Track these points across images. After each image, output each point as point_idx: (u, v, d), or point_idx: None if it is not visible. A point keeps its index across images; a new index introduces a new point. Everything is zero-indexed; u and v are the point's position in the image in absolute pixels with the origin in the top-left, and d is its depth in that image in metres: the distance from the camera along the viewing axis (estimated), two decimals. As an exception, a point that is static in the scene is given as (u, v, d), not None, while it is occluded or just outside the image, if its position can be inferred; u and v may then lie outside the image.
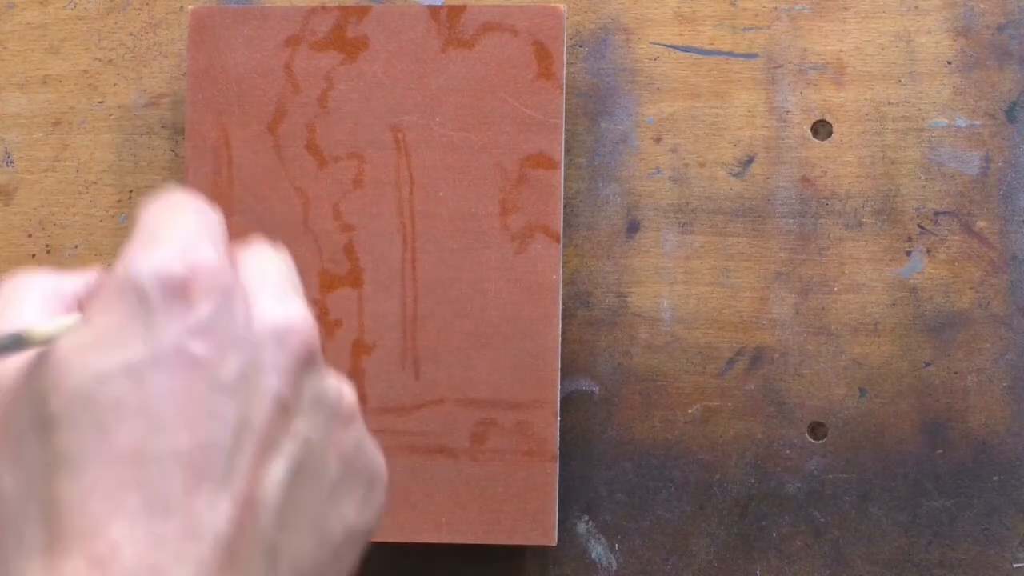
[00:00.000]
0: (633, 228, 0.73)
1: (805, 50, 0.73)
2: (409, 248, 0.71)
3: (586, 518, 0.73)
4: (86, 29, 0.76)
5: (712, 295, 0.73)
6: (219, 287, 0.41)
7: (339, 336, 0.71)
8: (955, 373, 0.72)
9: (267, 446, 0.40)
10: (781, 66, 0.73)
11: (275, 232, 0.71)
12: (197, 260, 0.42)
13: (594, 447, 0.73)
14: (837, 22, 0.73)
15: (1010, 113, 0.72)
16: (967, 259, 0.72)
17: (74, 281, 0.45)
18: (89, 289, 0.45)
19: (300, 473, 0.41)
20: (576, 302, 0.73)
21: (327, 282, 0.71)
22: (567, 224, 0.73)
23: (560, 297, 0.71)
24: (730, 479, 0.72)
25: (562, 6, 0.71)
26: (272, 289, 0.43)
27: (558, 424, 0.70)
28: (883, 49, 0.73)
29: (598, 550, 0.73)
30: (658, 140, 0.74)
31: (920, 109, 0.73)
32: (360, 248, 0.71)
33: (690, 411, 0.73)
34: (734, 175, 0.73)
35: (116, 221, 0.76)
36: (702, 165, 0.73)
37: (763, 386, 0.73)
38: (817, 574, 0.72)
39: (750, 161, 0.73)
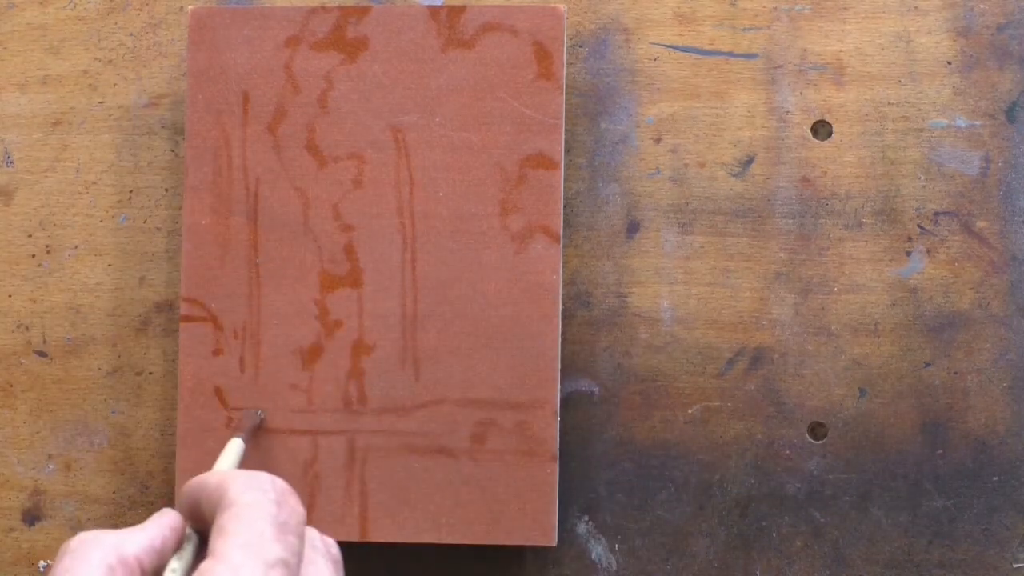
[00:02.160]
0: (633, 228, 0.73)
1: (805, 50, 0.73)
2: (409, 248, 0.71)
3: (586, 518, 0.73)
4: (86, 29, 0.76)
5: (712, 295, 0.73)
6: None
7: (339, 336, 0.71)
8: (955, 373, 0.72)
9: None
10: (781, 66, 0.73)
11: (275, 232, 0.72)
12: None
13: (594, 447, 0.73)
14: (837, 22, 0.73)
15: (1010, 113, 0.72)
16: (967, 259, 0.72)
17: (137, 541, 0.49)
18: (154, 549, 0.49)
19: None
20: (576, 302, 0.73)
21: (327, 282, 0.71)
22: (567, 224, 0.73)
23: (560, 297, 0.71)
24: (730, 479, 0.72)
25: (562, 6, 0.71)
26: None
27: (558, 424, 0.70)
28: (883, 49, 0.73)
29: (598, 550, 0.73)
30: (658, 140, 0.74)
31: (920, 109, 0.73)
32: (360, 248, 0.71)
33: (690, 411, 0.73)
34: (734, 175, 0.73)
35: (116, 221, 0.76)
36: (702, 165, 0.73)
37: (763, 386, 0.73)
38: (817, 574, 0.72)
39: (750, 161, 0.73)
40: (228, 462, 0.62)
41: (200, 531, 0.51)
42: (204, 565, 0.46)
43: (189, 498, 0.51)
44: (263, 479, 0.49)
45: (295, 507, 0.49)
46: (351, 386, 0.71)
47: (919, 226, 0.72)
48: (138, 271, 0.75)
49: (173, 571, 0.49)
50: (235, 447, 0.64)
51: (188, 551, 0.50)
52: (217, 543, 0.47)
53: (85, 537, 0.48)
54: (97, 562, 0.47)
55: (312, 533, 0.51)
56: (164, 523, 0.50)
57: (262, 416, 0.71)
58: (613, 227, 0.74)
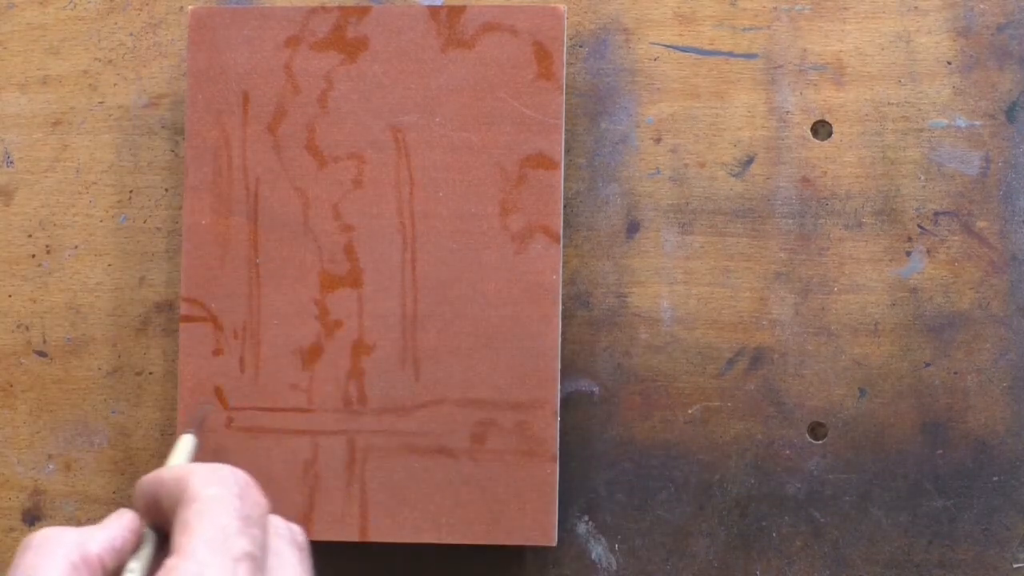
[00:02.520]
0: (633, 228, 0.73)
1: (805, 50, 0.73)
2: (409, 248, 0.71)
3: (586, 518, 0.73)
4: (86, 29, 0.76)
5: (712, 295, 0.73)
6: None
7: (339, 336, 0.71)
8: (955, 373, 0.72)
9: None
10: (781, 66, 0.73)
11: (275, 232, 0.72)
12: None
13: (594, 447, 0.73)
14: (837, 22, 0.73)
15: (1010, 113, 0.72)
16: (967, 259, 0.72)
17: (99, 539, 0.48)
18: (115, 549, 0.48)
19: None
20: (576, 302, 0.73)
21: (327, 282, 0.71)
22: (567, 224, 0.73)
23: (560, 297, 0.71)
24: (730, 479, 0.72)
25: (562, 6, 0.71)
26: None
27: (558, 424, 0.70)
28: (883, 49, 0.73)
29: (598, 550, 0.73)
30: (658, 140, 0.74)
31: (920, 109, 0.73)
32: (360, 248, 0.71)
33: (690, 411, 0.73)
34: (734, 175, 0.73)
35: (116, 221, 0.76)
36: (702, 165, 0.73)
37: (763, 386, 0.73)
38: (817, 574, 0.72)
39: (750, 161, 0.73)
40: (180, 459, 0.61)
41: (158, 527, 0.50)
42: (169, 562, 0.45)
43: (146, 495, 0.50)
44: (224, 472, 0.48)
45: (258, 499, 0.48)
46: (351, 386, 0.71)
47: (919, 226, 0.72)
48: (138, 271, 0.75)
49: (131, 571, 0.48)
50: (187, 443, 0.62)
51: (146, 551, 0.50)
52: (181, 539, 0.46)
53: (48, 533, 0.48)
54: (61, 558, 0.47)
55: (276, 521, 0.51)
56: (123, 523, 0.49)
57: (211, 409, 0.70)
58: (613, 227, 0.74)
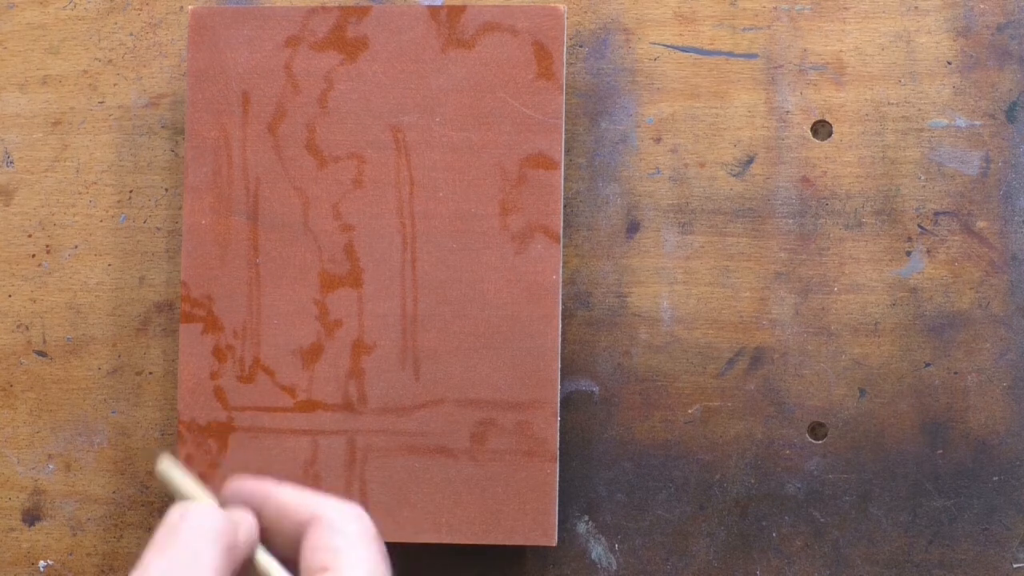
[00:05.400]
0: (633, 228, 0.74)
1: (805, 50, 0.73)
2: (409, 248, 0.71)
3: (586, 518, 0.73)
4: (86, 29, 0.76)
5: (712, 295, 0.73)
6: None
7: (339, 336, 0.71)
8: (955, 373, 0.72)
9: None
10: (781, 66, 0.73)
11: (275, 232, 0.72)
12: None
13: (594, 447, 0.73)
14: (837, 22, 0.73)
15: (1010, 113, 0.72)
16: (967, 259, 0.72)
17: (246, 528, 0.49)
18: (252, 540, 0.49)
19: None
20: (576, 302, 0.73)
21: (327, 282, 0.71)
22: (567, 224, 0.73)
23: (560, 297, 0.71)
24: (730, 479, 0.72)
25: (562, 6, 0.71)
26: None
27: (558, 424, 0.70)
28: (883, 49, 0.73)
29: (598, 550, 0.73)
30: (658, 140, 0.74)
31: (920, 109, 0.73)
32: (360, 248, 0.71)
33: (690, 411, 0.73)
34: (734, 175, 0.73)
35: (116, 221, 0.76)
36: (702, 165, 0.73)
37: (763, 386, 0.73)
38: (817, 574, 0.72)
39: (750, 161, 0.73)
40: (187, 482, 0.60)
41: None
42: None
43: (248, 502, 0.50)
44: (359, 512, 0.50)
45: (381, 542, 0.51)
46: (351, 386, 0.71)
47: (919, 226, 0.72)
48: (138, 271, 0.75)
49: (265, 563, 0.49)
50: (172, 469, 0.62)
51: (262, 549, 0.50)
52: (332, 561, 0.47)
53: (202, 514, 0.48)
54: (217, 542, 0.47)
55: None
56: (251, 517, 0.50)
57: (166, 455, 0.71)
58: (613, 227, 0.74)
